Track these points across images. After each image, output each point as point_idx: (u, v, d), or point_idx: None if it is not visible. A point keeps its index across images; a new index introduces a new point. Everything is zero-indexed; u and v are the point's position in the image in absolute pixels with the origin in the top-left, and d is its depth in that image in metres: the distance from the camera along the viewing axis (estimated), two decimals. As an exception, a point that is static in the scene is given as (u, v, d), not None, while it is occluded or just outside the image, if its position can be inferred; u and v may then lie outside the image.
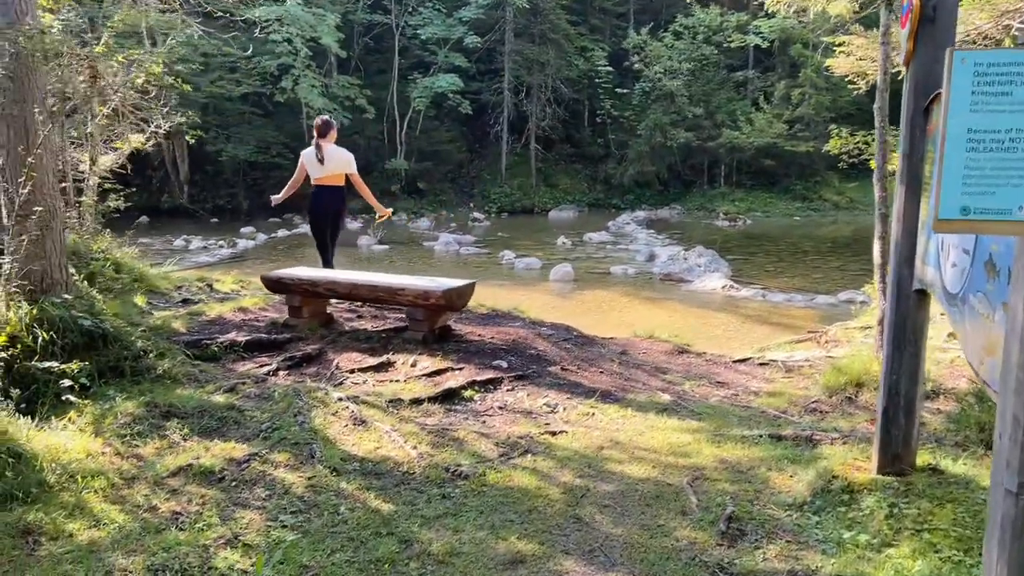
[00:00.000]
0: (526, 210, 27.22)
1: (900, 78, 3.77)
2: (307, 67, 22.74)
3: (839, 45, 7.31)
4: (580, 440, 4.37)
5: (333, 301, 6.76)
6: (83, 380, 4.51)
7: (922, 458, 3.66)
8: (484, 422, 4.66)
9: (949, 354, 5.39)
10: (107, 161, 9.60)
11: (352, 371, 5.45)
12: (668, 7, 30.99)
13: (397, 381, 5.27)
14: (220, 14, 10.11)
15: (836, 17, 7.17)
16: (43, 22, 5.96)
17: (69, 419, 4.25)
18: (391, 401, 4.83)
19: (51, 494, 3.43)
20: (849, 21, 7.13)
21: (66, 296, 4.81)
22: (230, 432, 4.32)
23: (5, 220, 4.90)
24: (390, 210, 7.83)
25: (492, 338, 6.07)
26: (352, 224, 22.50)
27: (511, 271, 14.58)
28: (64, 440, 3.90)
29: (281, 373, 5.43)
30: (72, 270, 5.44)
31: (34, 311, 4.72)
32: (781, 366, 6.09)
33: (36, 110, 4.71)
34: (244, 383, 5.07)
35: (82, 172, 9.14)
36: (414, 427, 4.46)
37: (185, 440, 4.19)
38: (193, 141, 12.64)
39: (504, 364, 5.50)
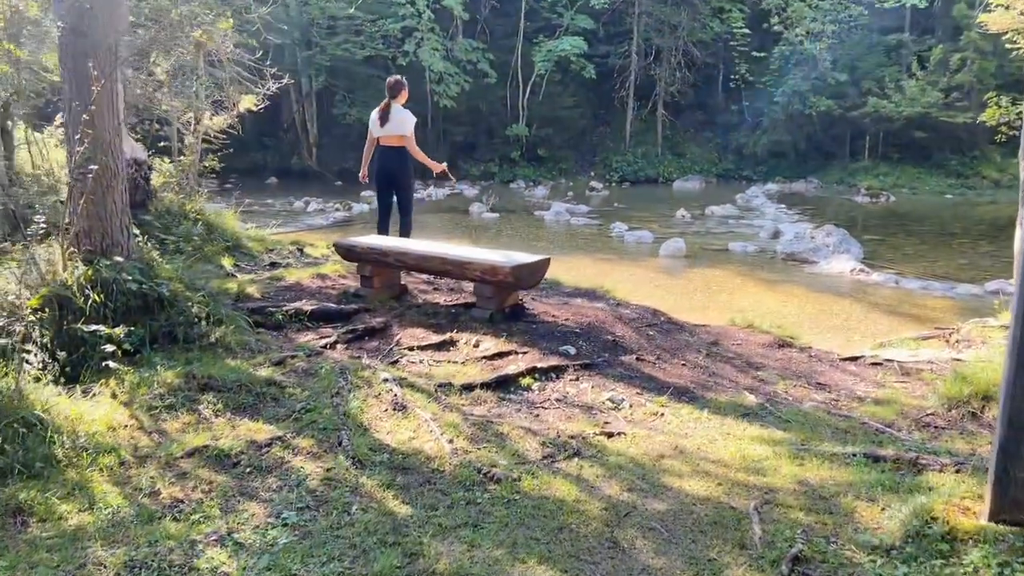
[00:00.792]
0: (649, 180, 26.20)
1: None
2: (430, 30, 22.59)
3: (1000, -4, 6.24)
4: (639, 445, 3.85)
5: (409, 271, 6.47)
6: (126, 346, 4.39)
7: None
8: (536, 415, 4.22)
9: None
10: (219, 122, 9.72)
11: (412, 348, 5.13)
12: (815, -36, 28.76)
13: (455, 362, 4.90)
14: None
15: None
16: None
17: (107, 386, 4.14)
18: (441, 385, 4.46)
19: (56, 470, 3.28)
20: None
21: (117, 259, 4.71)
22: (264, 410, 4.09)
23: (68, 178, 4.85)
24: (444, 164, 7.49)
25: (567, 320, 5.59)
26: (468, 190, 22.38)
27: (620, 244, 13.92)
28: (90, 409, 3.77)
29: (339, 346, 5.18)
30: (136, 231, 5.37)
31: (89, 272, 4.65)
32: (897, 368, 5.28)
33: (91, 63, 4.57)
34: (296, 356, 4.84)
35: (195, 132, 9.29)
36: (457, 417, 4.07)
37: (216, 416, 3.98)
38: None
39: (572, 350, 5.02)
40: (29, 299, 4.38)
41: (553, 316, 5.66)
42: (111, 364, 4.19)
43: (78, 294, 4.56)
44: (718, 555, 2.90)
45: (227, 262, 7.37)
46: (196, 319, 4.91)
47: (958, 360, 5.18)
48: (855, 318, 8.46)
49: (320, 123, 24.90)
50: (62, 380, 4.17)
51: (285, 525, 3.04)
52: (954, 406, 4.34)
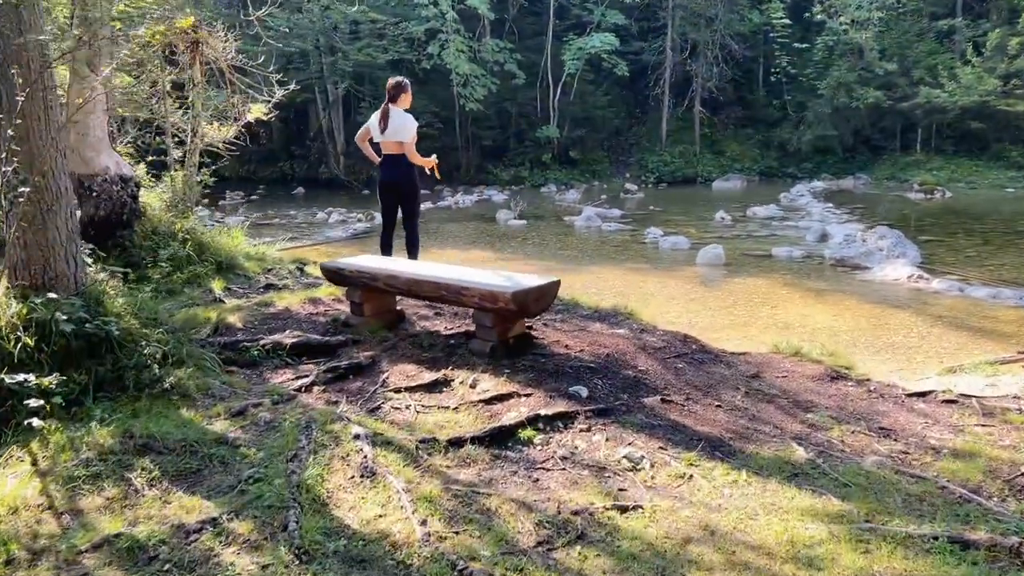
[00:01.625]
0: (687, 180, 25.25)
1: None
2: (455, 31, 21.95)
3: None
4: (659, 523, 3.08)
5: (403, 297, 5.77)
6: (57, 399, 3.76)
7: None
8: (536, 481, 3.47)
9: None
10: (223, 133, 9.15)
11: (399, 390, 4.42)
12: (859, -50, 27.48)
13: (446, 408, 4.17)
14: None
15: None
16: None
17: (29, 450, 3.51)
18: (423, 441, 3.74)
19: (-81, 575, 2.64)
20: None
21: (52, 296, 4.07)
22: (207, 478, 3.41)
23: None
24: (433, 156, 6.70)
25: (581, 351, 4.83)
26: (496, 196, 21.67)
27: (654, 251, 13.08)
28: (-8, 486, 3.13)
29: (316, 389, 4.50)
30: (88, 261, 4.75)
31: (23, 311, 4.04)
32: (976, 406, 4.42)
33: (13, 71, 3.95)
34: (260, 404, 4.17)
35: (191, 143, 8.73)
36: (437, 486, 3.34)
37: (150, 486, 3.31)
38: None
39: (584, 392, 4.25)
40: (-53, 346, 3.79)
41: (566, 347, 4.90)
42: (34, 423, 3.55)
43: (9, 337, 3.95)
44: None
45: (217, 285, 6.76)
46: (149, 361, 4.26)
47: (1053, 396, 4.30)
48: (916, 334, 7.54)
49: (347, 131, 24.44)
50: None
51: (191, 655, 2.35)
52: (1057, 463, 3.48)
